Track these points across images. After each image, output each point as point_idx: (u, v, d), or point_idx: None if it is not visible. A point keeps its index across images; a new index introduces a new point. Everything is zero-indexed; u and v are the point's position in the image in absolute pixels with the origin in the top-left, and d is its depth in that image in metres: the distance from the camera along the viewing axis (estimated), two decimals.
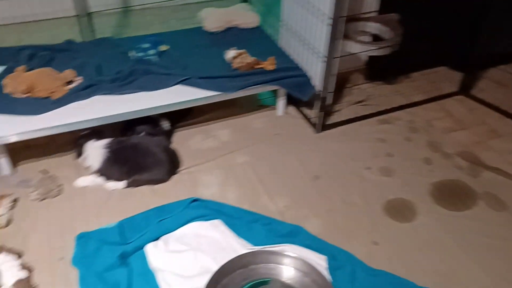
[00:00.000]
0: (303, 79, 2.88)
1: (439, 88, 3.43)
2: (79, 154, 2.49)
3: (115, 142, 2.49)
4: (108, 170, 2.45)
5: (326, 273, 2.00)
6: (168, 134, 2.86)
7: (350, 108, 3.15)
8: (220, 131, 2.95)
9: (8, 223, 2.25)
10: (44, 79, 2.56)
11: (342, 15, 2.53)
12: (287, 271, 2.00)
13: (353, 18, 3.03)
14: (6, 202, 2.30)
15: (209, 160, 2.72)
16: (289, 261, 2.00)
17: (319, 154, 2.78)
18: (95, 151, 2.44)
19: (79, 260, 2.08)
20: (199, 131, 2.95)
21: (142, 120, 2.66)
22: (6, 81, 2.55)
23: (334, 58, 2.68)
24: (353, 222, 2.33)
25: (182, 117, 2.98)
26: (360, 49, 2.87)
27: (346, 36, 2.83)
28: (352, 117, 3.06)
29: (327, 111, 2.93)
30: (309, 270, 1.96)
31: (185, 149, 2.78)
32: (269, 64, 2.89)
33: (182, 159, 2.70)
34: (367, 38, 3.12)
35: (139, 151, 2.50)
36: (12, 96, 2.53)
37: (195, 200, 2.39)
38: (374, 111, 3.14)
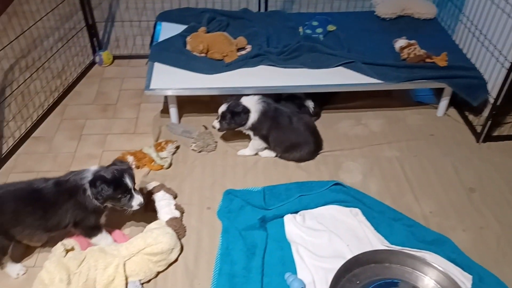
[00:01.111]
0: (477, 82, 2.64)
1: None
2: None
3: (271, 102, 2.50)
4: (261, 124, 2.46)
5: None
6: (312, 115, 2.82)
7: None
8: (372, 121, 2.87)
9: (169, 165, 2.52)
10: (220, 43, 2.75)
11: None
12: (424, 280, 1.90)
13: None
14: (171, 147, 2.57)
15: (355, 147, 2.68)
16: (429, 270, 1.90)
17: (478, 165, 2.55)
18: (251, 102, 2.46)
19: (223, 213, 2.25)
20: (349, 117, 2.91)
21: (291, 96, 2.70)
22: (189, 39, 2.80)
23: None
24: (507, 247, 2.11)
25: (329, 99, 2.96)
26: None
27: None
28: None
29: (496, 121, 2.65)
30: (449, 285, 1.84)
31: (332, 132, 2.78)
32: (440, 60, 2.70)
33: (328, 142, 2.70)
34: None
35: (293, 124, 2.51)
36: (191, 53, 2.78)
37: (336, 183, 2.39)
38: None
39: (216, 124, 2.51)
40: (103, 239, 2.01)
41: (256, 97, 2.49)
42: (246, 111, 2.44)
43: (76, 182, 1.88)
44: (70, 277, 1.83)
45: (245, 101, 2.48)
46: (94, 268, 1.86)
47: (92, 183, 1.85)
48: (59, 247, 1.91)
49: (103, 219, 2.01)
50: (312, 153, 2.58)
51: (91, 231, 1.97)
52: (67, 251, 1.94)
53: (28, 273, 2.00)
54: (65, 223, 1.91)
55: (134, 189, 1.94)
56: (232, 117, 2.45)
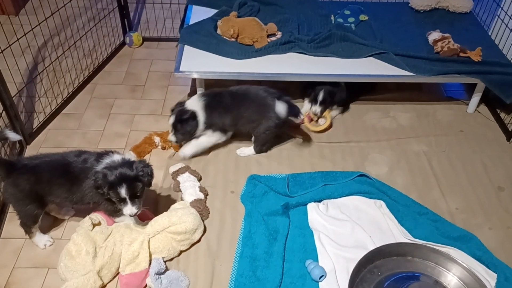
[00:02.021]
0: None
1: None
2: None
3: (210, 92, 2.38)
4: (211, 117, 2.35)
5: None
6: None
7: None
8: (400, 114, 2.83)
9: None
10: (251, 28, 2.74)
11: None
12: (447, 276, 1.88)
13: None
14: None
15: (382, 140, 2.64)
16: (452, 266, 1.88)
17: (508, 164, 2.49)
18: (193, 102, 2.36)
19: (247, 198, 2.25)
20: (376, 109, 2.87)
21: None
22: (220, 23, 2.80)
23: None
24: None
25: (362, 91, 2.91)
26: None
27: None
28: None
29: None
30: (473, 282, 1.82)
31: (359, 123, 2.75)
32: (475, 55, 2.64)
33: (355, 133, 2.68)
34: None
35: (241, 99, 2.39)
36: (221, 37, 2.78)
37: (361, 174, 2.37)
38: None
39: (172, 137, 2.37)
40: (126, 219, 2.00)
41: (197, 96, 2.38)
42: (194, 116, 2.31)
43: (92, 164, 1.87)
44: (96, 250, 1.88)
45: (190, 105, 2.34)
46: (119, 243, 1.90)
47: (95, 174, 1.81)
48: (86, 221, 1.95)
49: None
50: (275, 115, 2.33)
51: (113, 212, 1.98)
52: (94, 225, 1.98)
53: (55, 244, 2.06)
54: (87, 200, 1.94)
55: (133, 199, 1.82)
56: (182, 126, 2.33)
